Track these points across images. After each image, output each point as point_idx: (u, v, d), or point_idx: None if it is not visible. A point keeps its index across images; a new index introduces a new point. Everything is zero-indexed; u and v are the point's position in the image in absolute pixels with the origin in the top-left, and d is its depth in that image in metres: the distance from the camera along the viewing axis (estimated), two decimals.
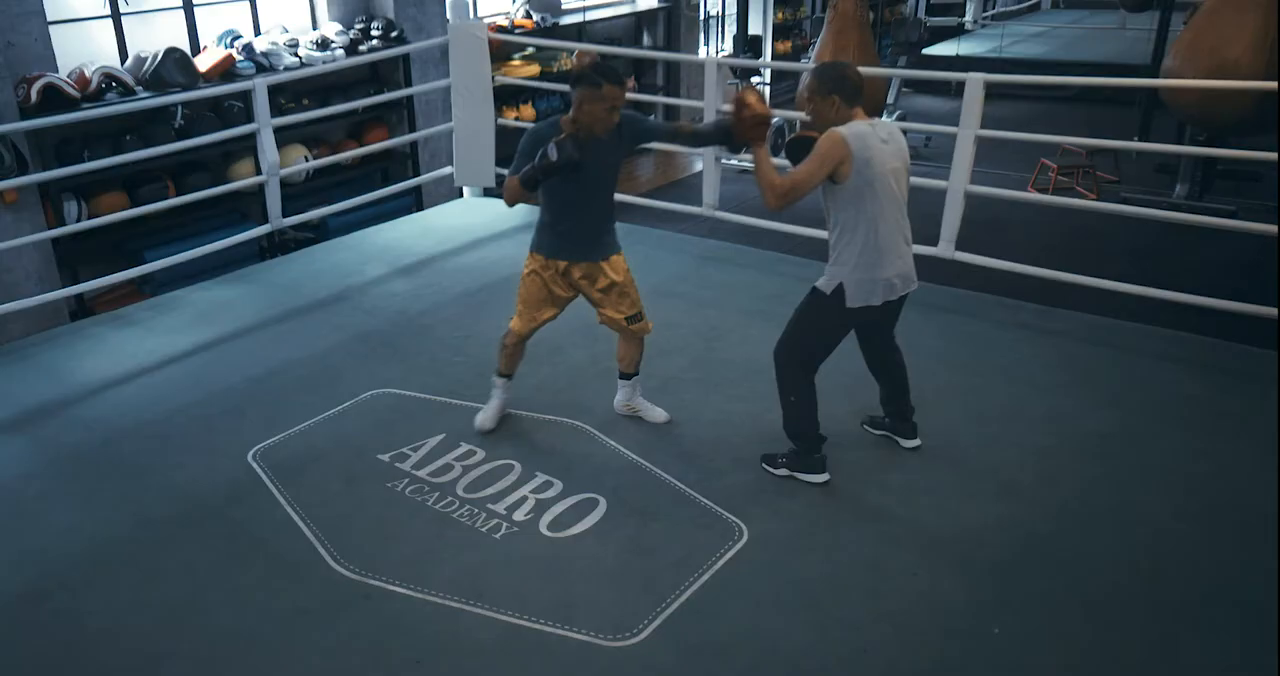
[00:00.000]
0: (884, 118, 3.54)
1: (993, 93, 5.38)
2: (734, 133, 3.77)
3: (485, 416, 4.28)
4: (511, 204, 3.98)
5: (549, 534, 3.58)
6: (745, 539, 3.53)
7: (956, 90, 5.68)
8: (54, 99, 6.38)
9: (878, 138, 3.51)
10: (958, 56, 14.53)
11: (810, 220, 6.58)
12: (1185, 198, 9.33)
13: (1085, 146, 9.75)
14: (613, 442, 4.15)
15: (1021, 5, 19.50)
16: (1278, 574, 3.32)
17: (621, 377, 4.37)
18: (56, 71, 6.62)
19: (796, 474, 3.87)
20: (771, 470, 3.92)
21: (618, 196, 4.12)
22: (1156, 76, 8.87)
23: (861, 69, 3.73)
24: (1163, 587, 3.32)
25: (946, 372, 4.74)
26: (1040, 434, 4.20)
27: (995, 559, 3.46)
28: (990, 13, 18.10)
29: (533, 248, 4.08)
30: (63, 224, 6.42)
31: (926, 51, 14.62)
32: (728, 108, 3.83)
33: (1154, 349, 4.99)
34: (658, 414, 4.33)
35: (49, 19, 6.67)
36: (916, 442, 4.11)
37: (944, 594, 3.29)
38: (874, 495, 3.80)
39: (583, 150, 3.66)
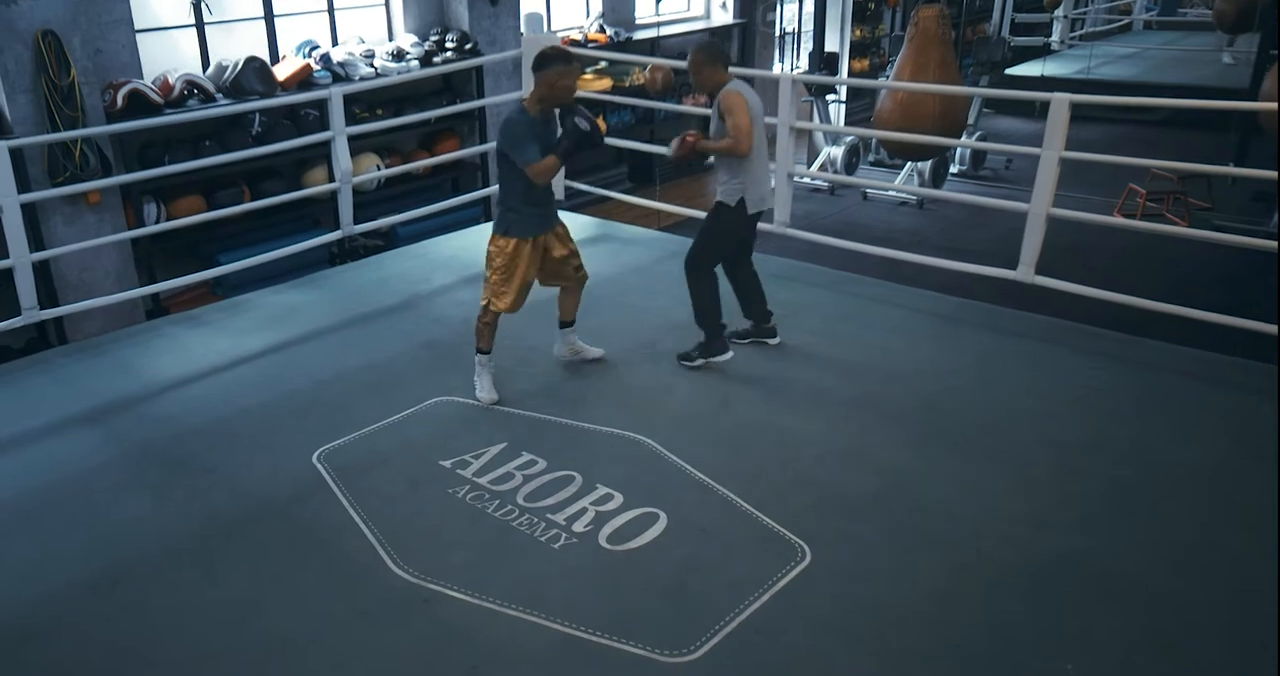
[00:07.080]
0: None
1: (1079, 115, 5.19)
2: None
3: (486, 394, 4.54)
4: (547, 182, 4.35)
5: (608, 546, 3.53)
6: (808, 560, 3.44)
7: (1040, 112, 5.52)
8: (138, 104, 6.58)
9: None
10: (1042, 77, 14.23)
11: (882, 240, 6.50)
12: None
13: (1177, 171, 9.44)
14: (675, 458, 4.09)
15: (1111, 26, 18.99)
16: (1278, 574, 3.20)
17: (564, 327, 4.87)
18: (141, 78, 6.82)
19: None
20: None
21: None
22: (1255, 101, 8.58)
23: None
24: (1243, 627, 3.15)
25: (1023, 399, 4.59)
26: (1120, 466, 4.03)
27: (1068, 593, 3.31)
28: (1078, 33, 17.63)
29: (503, 232, 4.41)
30: (142, 225, 6.60)
31: (1010, 72, 14.35)
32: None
33: (1242, 382, 4.77)
34: (595, 351, 4.91)
35: (136, 27, 6.87)
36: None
37: (1014, 627, 3.16)
38: (943, 523, 3.67)
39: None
